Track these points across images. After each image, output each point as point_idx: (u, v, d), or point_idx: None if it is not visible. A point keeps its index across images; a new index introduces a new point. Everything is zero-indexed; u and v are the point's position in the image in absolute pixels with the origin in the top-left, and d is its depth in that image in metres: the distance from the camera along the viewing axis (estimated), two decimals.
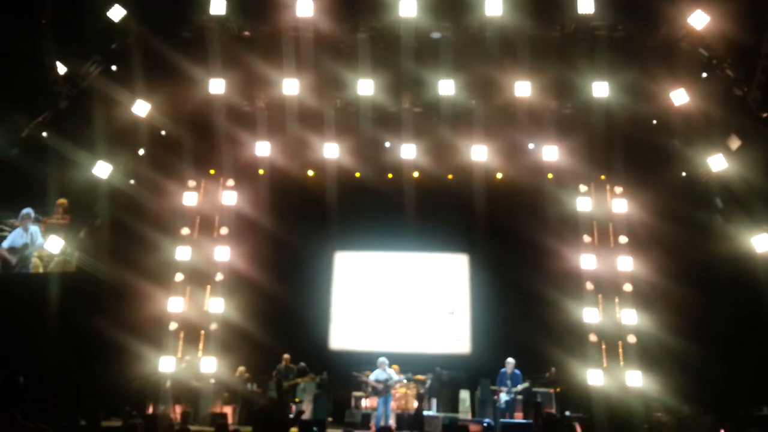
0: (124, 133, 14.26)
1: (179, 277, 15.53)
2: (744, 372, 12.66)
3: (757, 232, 13.35)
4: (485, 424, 11.94)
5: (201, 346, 15.16)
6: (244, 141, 15.98)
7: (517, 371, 12.77)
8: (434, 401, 13.21)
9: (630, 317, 15.34)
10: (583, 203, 16.20)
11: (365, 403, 12.81)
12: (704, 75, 13.52)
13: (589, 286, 15.69)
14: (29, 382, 12.03)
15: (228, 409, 12.47)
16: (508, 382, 12.67)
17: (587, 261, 15.65)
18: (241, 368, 13.16)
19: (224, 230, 16.14)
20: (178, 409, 12.16)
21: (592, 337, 15.29)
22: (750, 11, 12.50)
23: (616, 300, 15.62)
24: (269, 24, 13.61)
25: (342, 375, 13.91)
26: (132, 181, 15.29)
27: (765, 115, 13.10)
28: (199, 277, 15.71)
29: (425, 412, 12.34)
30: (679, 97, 13.49)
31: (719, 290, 13.55)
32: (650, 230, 15.34)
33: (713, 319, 13.40)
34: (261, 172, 16.28)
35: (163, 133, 15.34)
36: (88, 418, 7.91)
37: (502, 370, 12.80)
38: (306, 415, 12.21)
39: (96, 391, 11.22)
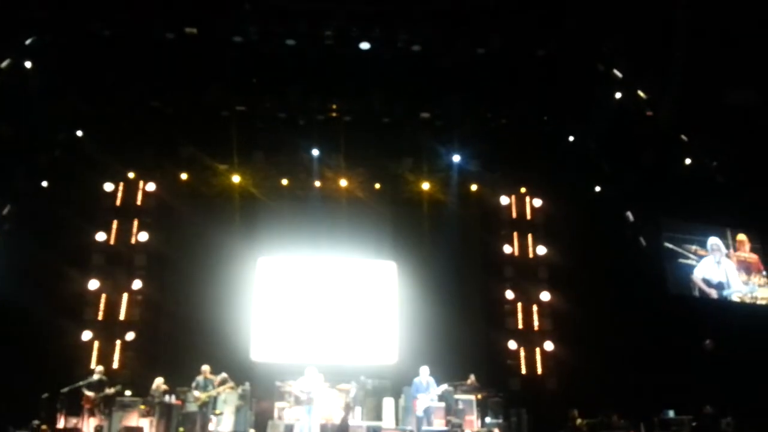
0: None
1: (94, 285, 14.90)
2: (651, 378, 13.44)
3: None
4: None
5: (117, 356, 14.61)
6: (166, 143, 15.63)
7: (431, 378, 12.85)
8: (359, 410, 13.18)
9: (547, 325, 16.01)
10: (505, 212, 16.84)
11: (288, 414, 12.61)
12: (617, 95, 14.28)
13: (510, 294, 16.24)
14: None
15: (144, 422, 11.99)
16: (424, 389, 12.74)
17: (509, 271, 16.27)
18: (159, 379, 12.68)
19: (143, 236, 15.62)
20: (92, 422, 11.58)
21: (512, 344, 15.83)
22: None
23: (535, 309, 16.24)
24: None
25: (265, 385, 13.65)
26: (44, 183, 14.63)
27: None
28: (115, 285, 15.14)
29: (350, 422, 12.30)
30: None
31: (629, 301, 14.37)
32: (567, 245, 16.02)
33: (622, 329, 14.18)
34: (184, 176, 15.93)
35: (79, 133, 14.74)
36: None
37: (416, 379, 12.81)
38: (228, 427, 11.92)
39: (7, 402, 10.63)
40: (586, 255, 15.12)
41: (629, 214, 15.81)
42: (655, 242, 15.57)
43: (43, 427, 10.87)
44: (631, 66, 14.15)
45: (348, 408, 12.56)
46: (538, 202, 17.14)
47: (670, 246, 15.16)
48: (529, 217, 17.16)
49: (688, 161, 15.08)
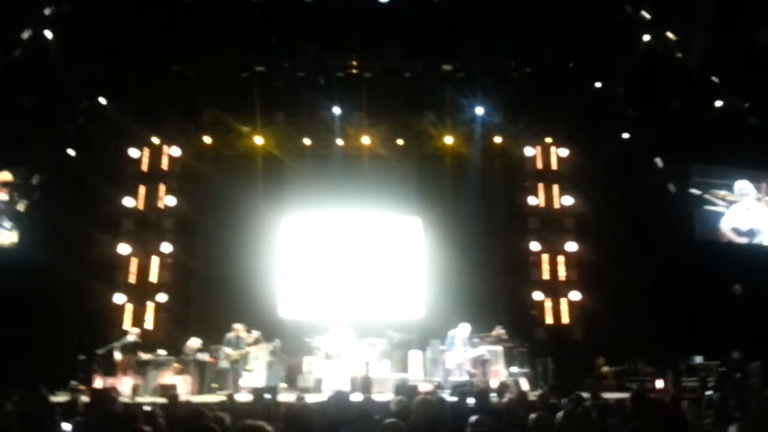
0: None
1: (124, 249, 15.26)
2: (678, 325, 13.35)
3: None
4: (436, 383, 12.23)
5: (150, 317, 15.04)
6: (189, 107, 15.72)
7: (469, 336, 13.01)
8: (386, 363, 13.44)
9: (573, 275, 15.95)
10: (530, 163, 16.63)
11: (317, 368, 12.92)
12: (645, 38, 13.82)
13: (535, 246, 16.17)
14: None
15: (178, 380, 12.41)
16: (458, 344, 12.91)
17: (534, 222, 16.18)
18: (194, 339, 13.08)
19: (170, 200, 15.86)
20: (127, 381, 12.03)
21: (537, 295, 15.84)
22: None
23: (560, 259, 16.16)
24: None
25: (293, 342, 13.97)
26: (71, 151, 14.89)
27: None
28: (145, 249, 15.49)
29: (378, 375, 12.56)
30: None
31: (658, 249, 14.18)
32: (594, 195, 15.79)
33: (649, 277, 14.05)
34: (207, 140, 16.04)
35: (102, 101, 14.89)
36: (36, 398, 7.76)
37: (451, 332, 13.01)
38: (260, 382, 12.27)
39: (41, 365, 11.06)
40: (613, 204, 14.88)
41: (658, 160, 15.45)
42: (683, 189, 15.26)
43: (81, 387, 11.31)
44: (659, 6, 13.64)
45: (368, 363, 12.77)
46: (563, 152, 16.84)
47: (698, 192, 14.82)
48: (554, 167, 16.87)
49: (718, 104, 14.60)
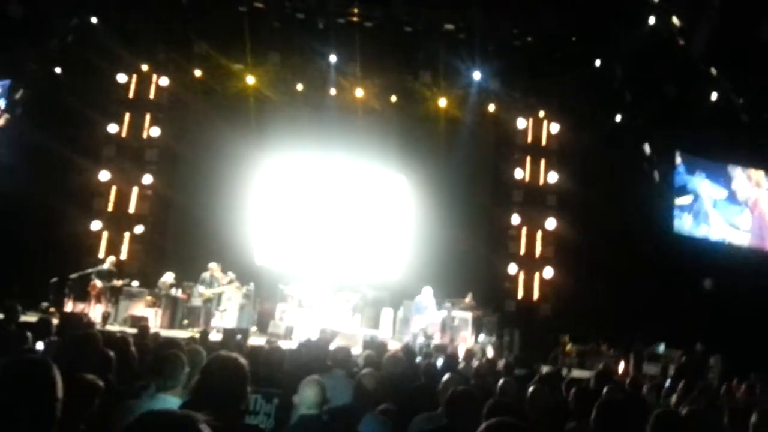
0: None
1: (105, 176, 15.01)
2: (645, 312, 13.63)
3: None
4: (405, 343, 12.37)
5: (125, 248, 14.92)
6: (181, 37, 15.31)
7: (433, 299, 13.10)
8: (358, 318, 13.56)
9: (549, 252, 16.14)
10: (520, 136, 16.59)
11: (290, 316, 12.99)
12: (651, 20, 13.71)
13: (516, 219, 16.27)
14: None
15: (150, 312, 12.41)
16: (423, 310, 13.00)
17: (517, 195, 16.22)
18: (168, 274, 13.03)
19: (155, 131, 15.56)
20: (99, 308, 11.99)
21: (512, 268, 16.02)
22: None
23: (539, 235, 16.30)
24: None
25: (268, 288, 13.99)
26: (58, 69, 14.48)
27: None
28: (126, 178, 15.26)
29: (348, 329, 12.67)
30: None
31: (636, 235, 14.37)
32: (579, 174, 15.85)
33: (623, 262, 14.26)
34: (198, 73, 15.68)
35: (94, 20, 14.42)
36: (7, 311, 7.69)
37: (417, 298, 13.09)
38: (231, 323, 12.31)
39: (15, 284, 10.95)
40: (598, 185, 14.98)
41: (646, 147, 15.53)
42: (668, 177, 15.39)
43: (51, 309, 11.25)
44: None
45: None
46: (555, 128, 16.82)
47: (683, 182, 14.97)
48: (544, 142, 16.88)
49: (714, 96, 14.64)
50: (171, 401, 3.69)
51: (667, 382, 7.85)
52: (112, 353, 4.60)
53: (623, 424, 3.64)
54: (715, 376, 10.46)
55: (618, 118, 15.70)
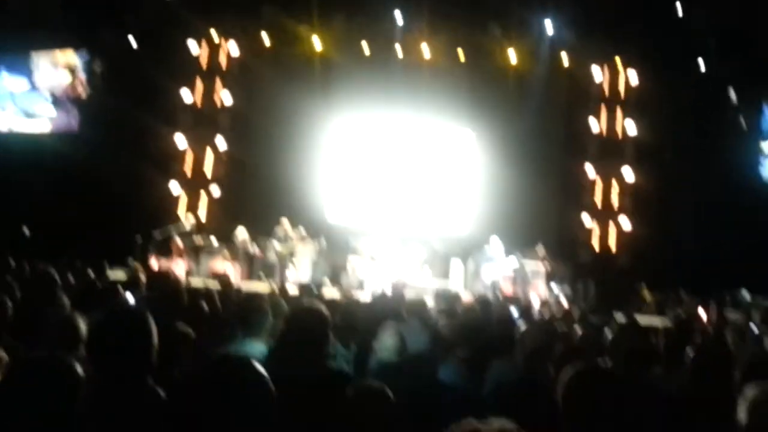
0: None
1: (181, 142, 15.53)
2: (727, 258, 13.11)
3: None
4: (478, 295, 12.41)
5: (204, 209, 15.51)
6: (248, 3, 15.46)
7: (501, 247, 13.10)
8: (427, 271, 13.67)
9: (627, 204, 15.65)
10: (595, 85, 15.95)
11: (361, 269, 13.23)
12: None
13: (591, 171, 15.81)
14: (36, 234, 12.49)
15: (228, 267, 12.92)
16: (494, 258, 13.04)
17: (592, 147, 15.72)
18: (241, 228, 13.50)
19: (226, 97, 15.92)
20: (181, 264, 12.58)
21: (587, 220, 15.66)
22: None
23: (615, 187, 15.81)
24: None
25: (339, 243, 14.26)
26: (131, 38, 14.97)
27: None
28: (201, 143, 15.75)
29: (418, 281, 12.79)
30: None
31: (718, 185, 13.73)
32: (659, 124, 15.16)
33: (706, 212, 13.69)
34: (266, 38, 15.81)
35: None
36: (95, 269, 8.19)
37: (486, 247, 13.12)
38: (305, 278, 12.67)
39: (101, 242, 11.60)
40: (678, 135, 14.30)
41: (732, 94, 14.64)
42: (756, 125, 14.54)
43: (137, 265, 11.84)
44: None
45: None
46: (633, 75, 16.02)
47: None
48: (621, 91, 16.17)
49: None
50: (257, 347, 3.88)
51: (753, 328, 7.58)
52: (204, 305, 4.85)
53: (718, 372, 3.56)
54: None
55: (701, 65, 14.81)
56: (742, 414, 2.18)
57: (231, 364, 1.83)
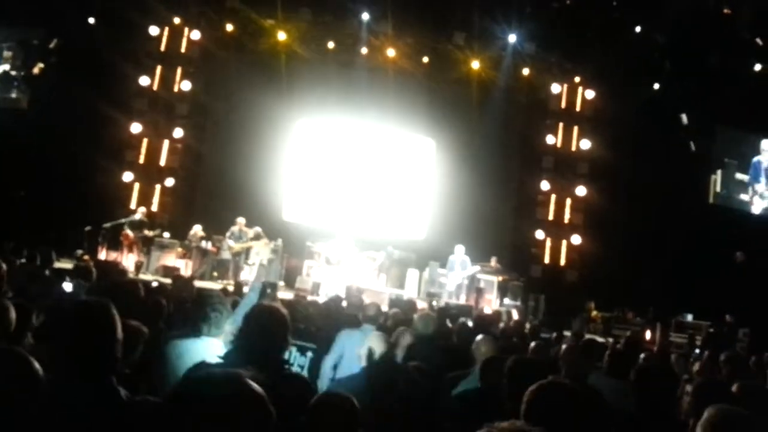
0: None
1: (136, 128, 15.10)
2: (674, 281, 13.53)
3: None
4: (433, 303, 12.47)
5: (156, 199, 15.11)
6: None
7: (465, 257, 13.27)
8: (383, 277, 13.66)
9: (578, 219, 16.00)
10: (554, 101, 16.30)
11: (316, 272, 13.13)
12: None
13: (545, 185, 16.10)
14: None
15: (180, 263, 12.63)
16: (457, 267, 13.17)
17: (548, 161, 16.04)
18: (197, 226, 13.21)
19: (185, 84, 15.56)
20: (131, 257, 12.23)
21: (539, 234, 15.94)
22: None
23: (568, 202, 16.14)
24: None
25: (295, 244, 14.12)
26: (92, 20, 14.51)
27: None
28: (157, 131, 15.35)
29: (374, 287, 12.77)
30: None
31: (667, 205, 14.16)
32: (613, 142, 15.56)
33: (654, 231, 14.10)
34: (229, 27, 15.57)
35: None
36: (42, 256, 7.87)
37: (451, 257, 13.27)
38: (259, 277, 12.46)
39: (49, 232, 11.18)
40: (631, 154, 14.71)
41: (683, 117, 15.17)
42: (705, 149, 15.06)
43: (86, 257, 11.47)
44: None
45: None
46: (590, 94, 16.47)
47: (721, 155, 14.65)
48: (578, 108, 16.58)
49: (757, 67, 14.18)
50: (215, 344, 3.76)
51: (696, 351, 7.81)
52: (163, 300, 4.69)
53: (660, 390, 3.65)
54: (744, 349, 10.38)
55: (656, 86, 15.32)
56: None
57: (231, 386, 1.59)
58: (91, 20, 14.57)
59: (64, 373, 2.12)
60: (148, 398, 2.25)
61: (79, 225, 12.48)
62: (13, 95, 15.26)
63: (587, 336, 9.17)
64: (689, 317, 12.80)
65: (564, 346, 4.80)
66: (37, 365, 1.92)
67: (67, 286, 6.33)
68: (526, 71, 16.14)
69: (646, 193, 14.35)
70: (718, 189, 14.70)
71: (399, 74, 15.92)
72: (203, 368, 2.83)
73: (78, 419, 2.03)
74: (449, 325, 7.15)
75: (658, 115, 15.08)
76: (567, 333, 9.51)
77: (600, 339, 10.59)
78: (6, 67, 15.20)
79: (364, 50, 15.81)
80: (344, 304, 7.26)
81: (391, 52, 15.78)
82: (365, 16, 15.34)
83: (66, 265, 9.65)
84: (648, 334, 11.26)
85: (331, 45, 15.80)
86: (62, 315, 2.35)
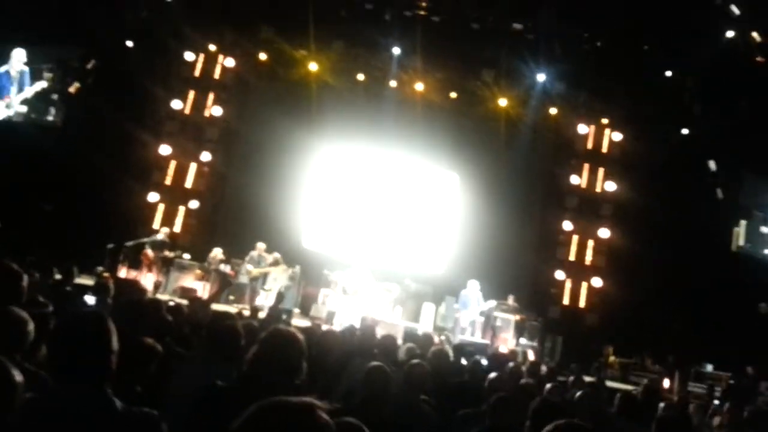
0: None
1: (165, 150, 15.36)
2: (695, 330, 13.24)
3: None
4: (444, 337, 12.34)
5: (180, 221, 15.29)
6: (248, 21, 15.55)
7: (479, 293, 13.14)
8: (399, 310, 13.58)
9: (600, 262, 15.80)
10: (580, 141, 16.27)
11: (332, 301, 13.10)
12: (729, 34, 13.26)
13: (568, 226, 15.98)
14: (8, 228, 12.17)
15: (198, 285, 12.70)
16: (472, 302, 13.05)
17: (572, 201, 15.94)
18: (217, 249, 13.31)
19: (216, 110, 15.86)
20: (150, 277, 12.33)
21: (559, 275, 15.76)
22: None
23: (590, 243, 15.97)
24: None
25: (312, 272, 14.14)
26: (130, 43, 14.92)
27: None
28: (185, 154, 15.60)
29: (389, 319, 12.70)
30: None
31: (690, 252, 13.94)
32: (638, 185, 15.44)
33: (676, 278, 13.87)
34: (263, 57, 15.89)
35: None
36: (63, 272, 7.99)
37: (463, 291, 13.14)
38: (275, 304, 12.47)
39: (72, 248, 11.34)
40: (655, 198, 14.56)
41: (711, 163, 15.02)
42: (732, 197, 14.88)
43: (106, 274, 11.60)
44: (750, 4, 13.02)
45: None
46: (617, 136, 16.40)
47: (748, 202, 14.44)
48: (605, 149, 16.50)
49: None
50: (225, 370, 3.76)
51: (715, 403, 7.61)
52: (170, 318, 4.72)
53: None
54: (766, 400, 10.09)
55: (685, 131, 15.23)
56: None
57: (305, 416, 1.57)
58: (129, 43, 14.97)
59: (60, 382, 2.17)
60: (143, 409, 2.24)
61: (102, 242, 12.66)
62: (50, 115, 15.67)
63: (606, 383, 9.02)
64: (709, 367, 12.48)
65: (580, 392, 4.72)
66: (16, 374, 1.94)
67: (90, 300, 6.42)
68: (553, 111, 16.17)
69: (670, 239, 14.14)
70: (741, 242, 14.43)
71: (426, 108, 16.06)
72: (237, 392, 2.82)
73: (71, 427, 2.06)
74: (463, 362, 7.06)
75: (686, 161, 14.95)
76: (586, 378, 9.34)
77: (617, 385, 10.42)
78: (45, 85, 15.63)
79: (393, 83, 16.01)
80: (358, 333, 7.21)
81: (419, 86, 15.95)
82: (396, 51, 15.57)
83: (87, 281, 9.78)
84: (666, 383, 10.99)
85: (361, 77, 16.03)
86: (59, 325, 2.39)
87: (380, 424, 2.79)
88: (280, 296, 11.50)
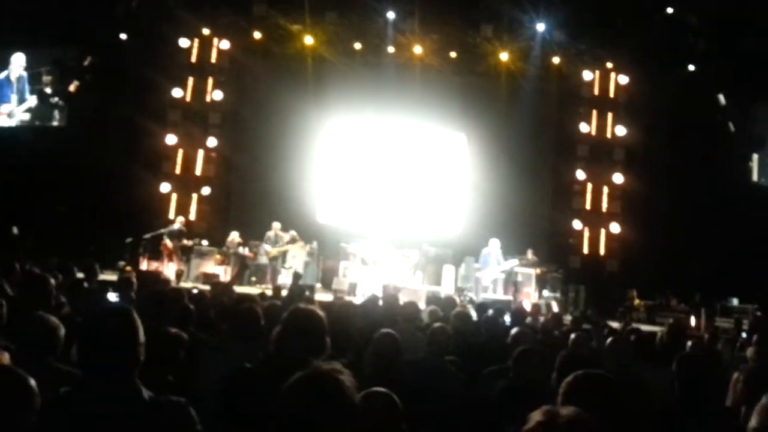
0: None
1: (171, 140, 15.38)
2: (717, 265, 13.19)
3: None
4: (468, 297, 12.43)
5: (193, 209, 15.40)
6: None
7: (500, 251, 13.13)
8: (419, 275, 13.66)
9: (616, 208, 15.69)
10: (586, 88, 16.01)
11: (352, 273, 13.20)
12: None
13: (581, 174, 15.84)
14: (26, 233, 12.36)
15: (219, 270, 12.85)
16: (492, 261, 13.05)
17: (582, 150, 15.74)
18: (234, 233, 13.42)
19: (217, 94, 15.82)
20: (172, 266, 12.49)
21: (576, 224, 15.69)
22: None
23: (605, 190, 15.85)
24: None
25: (330, 246, 14.23)
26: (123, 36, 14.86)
27: None
28: (191, 141, 15.62)
29: (410, 285, 12.78)
30: None
31: (707, 188, 13.82)
32: (648, 127, 15.23)
33: (695, 215, 13.77)
34: (257, 35, 15.75)
35: None
36: (85, 270, 8.09)
37: (484, 250, 13.13)
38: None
39: (91, 246, 11.50)
40: (668, 138, 14.38)
41: (720, 97, 14.77)
42: (744, 129, 14.65)
43: (128, 267, 11.77)
44: None
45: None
46: (623, 79, 16.09)
47: (760, 132, 14.22)
48: (611, 94, 16.22)
49: None
50: (251, 352, 3.83)
51: (743, 336, 7.61)
52: (192, 306, 4.80)
53: (703, 378, 3.56)
54: None
55: (691, 67, 14.94)
56: (753, 421, 2.15)
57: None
58: (123, 36, 14.90)
59: (90, 377, 2.25)
60: (171, 397, 2.31)
61: (120, 237, 12.81)
62: (54, 120, 15.74)
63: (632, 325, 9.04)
64: (735, 301, 12.47)
65: (608, 339, 4.74)
66: (32, 382, 2.01)
67: (112, 296, 6.52)
68: (556, 60, 15.88)
69: (685, 177, 14.01)
70: (755, 177, 14.25)
71: (427, 71, 15.88)
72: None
73: (101, 417, 2.14)
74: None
75: (694, 97, 14.71)
76: (610, 323, 9.38)
77: (644, 327, 10.45)
78: (46, 89, 15.69)
79: (390, 49, 15.80)
80: (380, 303, 7.27)
81: (418, 49, 15.73)
82: (391, 15, 15.33)
83: (110, 277, 9.92)
84: (693, 321, 11.00)
85: (357, 46, 15.84)
86: (86, 323, 2.45)
87: (396, 389, 2.83)
88: (297, 276, 11.61)
